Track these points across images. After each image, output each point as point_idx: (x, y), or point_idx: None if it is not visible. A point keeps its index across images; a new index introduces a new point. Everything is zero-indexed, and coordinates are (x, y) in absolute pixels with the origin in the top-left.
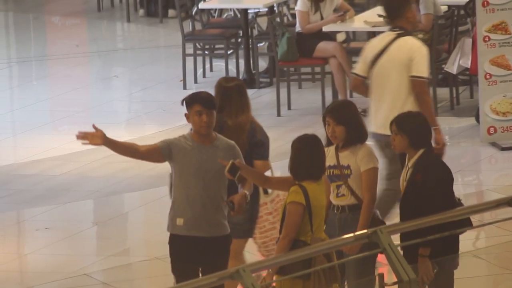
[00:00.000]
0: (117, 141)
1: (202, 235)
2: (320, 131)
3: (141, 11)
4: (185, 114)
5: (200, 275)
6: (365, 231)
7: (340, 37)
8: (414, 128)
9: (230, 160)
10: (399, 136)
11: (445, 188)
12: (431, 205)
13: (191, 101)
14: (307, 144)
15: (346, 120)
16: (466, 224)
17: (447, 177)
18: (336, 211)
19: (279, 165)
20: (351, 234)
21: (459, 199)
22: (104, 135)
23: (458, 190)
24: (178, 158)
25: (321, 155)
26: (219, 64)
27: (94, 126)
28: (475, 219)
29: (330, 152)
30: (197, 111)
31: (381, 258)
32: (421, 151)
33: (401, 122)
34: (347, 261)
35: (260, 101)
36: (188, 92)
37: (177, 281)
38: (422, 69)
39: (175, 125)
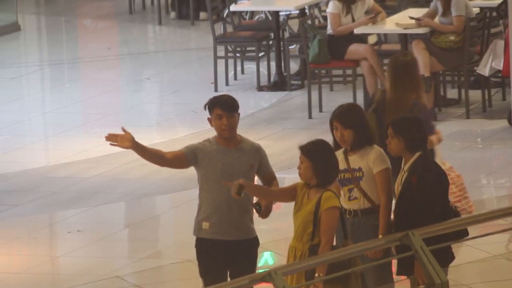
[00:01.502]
0: (145, 146)
1: (228, 238)
2: None
3: (173, 14)
4: (208, 119)
5: (229, 278)
6: (396, 234)
7: (372, 39)
8: (410, 132)
9: (256, 162)
10: (395, 140)
11: (440, 191)
12: (426, 208)
13: (212, 105)
14: (325, 149)
15: (354, 124)
16: (463, 234)
17: (442, 181)
18: (348, 215)
19: None
20: (382, 237)
21: (455, 207)
22: (133, 138)
23: (490, 192)
24: (204, 162)
25: (336, 158)
26: (250, 66)
27: (123, 129)
28: (507, 221)
29: (339, 156)
30: (217, 114)
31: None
32: (417, 155)
33: (397, 126)
34: (366, 267)
35: (292, 103)
36: (220, 94)
37: (205, 284)
38: None
39: (206, 127)
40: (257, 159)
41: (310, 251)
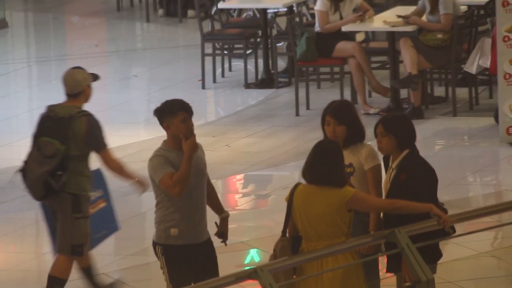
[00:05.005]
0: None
1: (196, 242)
2: None
3: (161, 11)
4: (165, 125)
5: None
6: (383, 231)
7: (359, 37)
8: (401, 129)
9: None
10: (386, 138)
11: (429, 188)
12: None
13: (175, 110)
14: (316, 148)
15: (347, 120)
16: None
17: (431, 177)
18: None
19: (298, 165)
20: (369, 234)
21: (442, 204)
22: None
23: (477, 190)
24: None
25: (325, 161)
26: (238, 64)
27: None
28: (493, 219)
29: None
30: (182, 119)
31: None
32: (405, 152)
33: (388, 124)
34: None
35: (279, 101)
36: (207, 92)
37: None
38: None
39: (195, 124)
40: (203, 154)
41: None
